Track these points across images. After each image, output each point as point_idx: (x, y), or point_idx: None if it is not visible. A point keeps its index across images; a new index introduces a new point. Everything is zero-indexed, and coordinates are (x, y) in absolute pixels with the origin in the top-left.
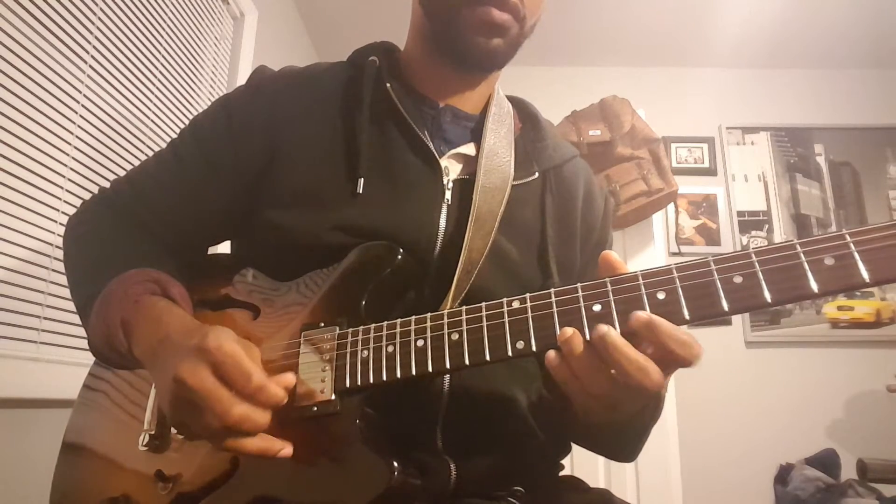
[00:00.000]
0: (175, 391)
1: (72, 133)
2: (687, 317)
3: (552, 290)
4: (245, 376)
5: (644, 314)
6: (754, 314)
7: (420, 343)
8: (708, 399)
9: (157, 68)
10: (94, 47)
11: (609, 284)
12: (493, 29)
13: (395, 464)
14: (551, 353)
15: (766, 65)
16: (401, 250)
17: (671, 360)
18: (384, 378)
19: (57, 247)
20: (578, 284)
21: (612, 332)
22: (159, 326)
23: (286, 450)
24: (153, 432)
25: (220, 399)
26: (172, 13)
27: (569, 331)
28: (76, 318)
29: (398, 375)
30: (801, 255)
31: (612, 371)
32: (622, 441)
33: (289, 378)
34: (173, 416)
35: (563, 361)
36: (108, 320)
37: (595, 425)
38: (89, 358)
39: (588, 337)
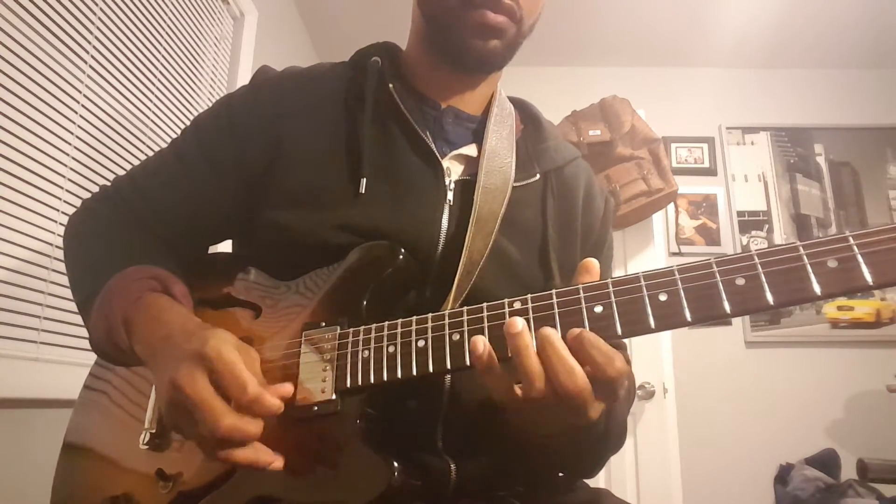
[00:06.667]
0: (171, 395)
1: (72, 133)
2: (689, 318)
3: (553, 291)
4: (241, 387)
5: (576, 329)
6: (754, 314)
7: (421, 343)
8: (708, 399)
9: (157, 68)
10: (94, 47)
11: (611, 286)
12: (490, 31)
13: (396, 464)
14: (485, 360)
15: (766, 65)
16: (402, 250)
17: (595, 372)
18: (385, 378)
19: (57, 247)
20: (580, 286)
21: (553, 333)
22: (160, 325)
23: (276, 463)
24: (154, 431)
25: (212, 409)
26: (172, 13)
27: (519, 322)
28: (76, 319)
29: (399, 375)
30: (804, 258)
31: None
32: (573, 454)
33: (286, 388)
34: (169, 419)
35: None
36: (110, 318)
37: (539, 438)
38: (89, 358)
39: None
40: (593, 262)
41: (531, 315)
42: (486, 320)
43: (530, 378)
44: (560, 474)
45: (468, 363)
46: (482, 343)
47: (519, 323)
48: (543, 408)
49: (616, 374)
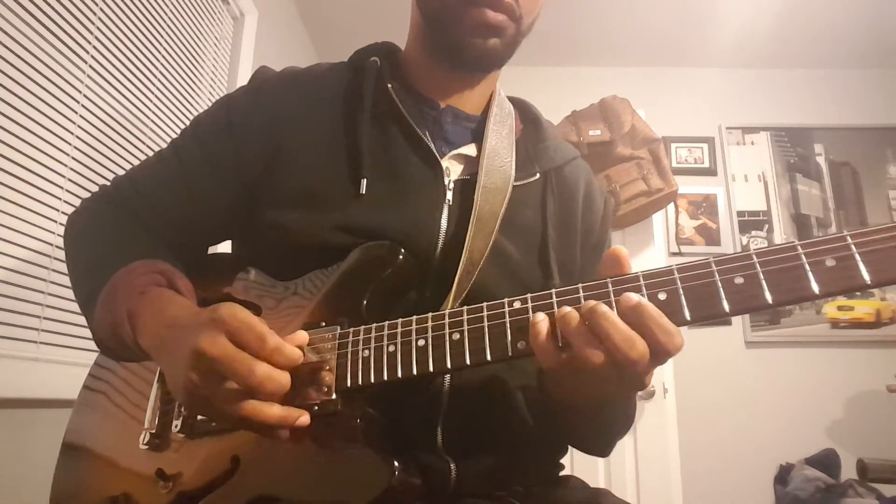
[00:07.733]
0: (194, 364)
1: (72, 133)
2: (688, 317)
3: (553, 290)
4: (260, 339)
5: (635, 296)
6: (754, 314)
7: (421, 342)
8: (708, 399)
9: (157, 68)
10: (94, 47)
11: (610, 285)
12: (489, 30)
13: (396, 463)
14: (543, 332)
15: (766, 65)
16: (402, 250)
17: (654, 348)
18: (385, 377)
19: (57, 247)
20: (580, 285)
21: (602, 305)
22: (165, 316)
23: (304, 418)
24: (154, 431)
25: (242, 361)
26: (172, 13)
27: (567, 308)
28: (76, 319)
29: (399, 375)
30: (803, 257)
31: (602, 342)
32: (595, 430)
33: (301, 336)
34: (191, 394)
35: (555, 338)
36: (114, 312)
37: (572, 411)
38: (89, 358)
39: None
40: (622, 250)
41: (531, 315)
42: (485, 319)
43: (587, 352)
44: (560, 475)
45: (468, 362)
46: (541, 319)
47: (566, 308)
48: (598, 377)
49: (675, 349)
